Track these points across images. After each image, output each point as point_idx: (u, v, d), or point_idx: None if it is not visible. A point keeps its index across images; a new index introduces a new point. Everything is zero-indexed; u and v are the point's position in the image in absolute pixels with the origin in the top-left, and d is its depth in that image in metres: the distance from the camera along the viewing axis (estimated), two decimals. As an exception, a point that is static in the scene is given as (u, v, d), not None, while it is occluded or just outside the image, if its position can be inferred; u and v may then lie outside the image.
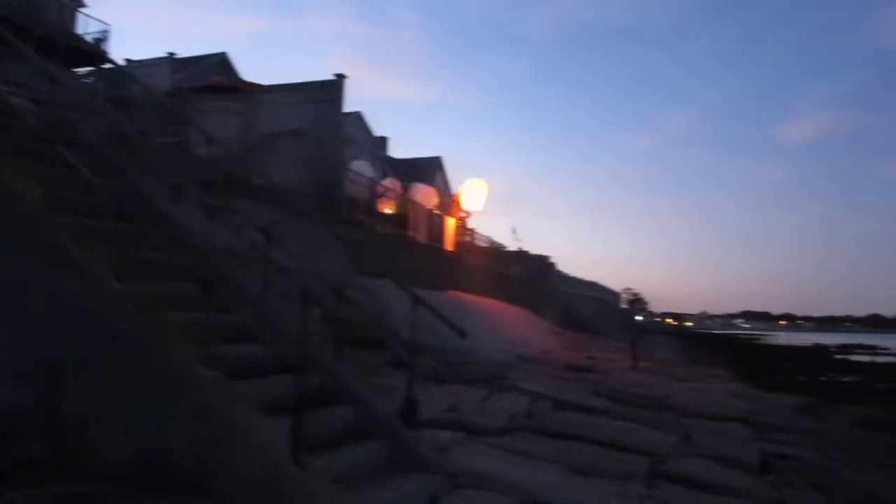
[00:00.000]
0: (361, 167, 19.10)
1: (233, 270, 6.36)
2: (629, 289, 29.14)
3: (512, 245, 34.05)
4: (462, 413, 8.09)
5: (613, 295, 70.60)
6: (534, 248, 35.29)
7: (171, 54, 20.40)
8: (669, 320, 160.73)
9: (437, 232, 20.96)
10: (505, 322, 20.60)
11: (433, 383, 9.95)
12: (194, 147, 12.11)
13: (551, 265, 37.10)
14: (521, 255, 33.17)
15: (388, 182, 20.49)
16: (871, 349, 61.62)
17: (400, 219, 18.56)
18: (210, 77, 23.81)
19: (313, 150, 14.33)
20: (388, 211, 18.83)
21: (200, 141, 12.37)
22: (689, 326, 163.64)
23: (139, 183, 7.02)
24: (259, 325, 5.97)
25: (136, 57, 21.77)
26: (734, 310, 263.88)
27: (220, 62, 28.87)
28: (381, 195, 18.41)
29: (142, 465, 4.40)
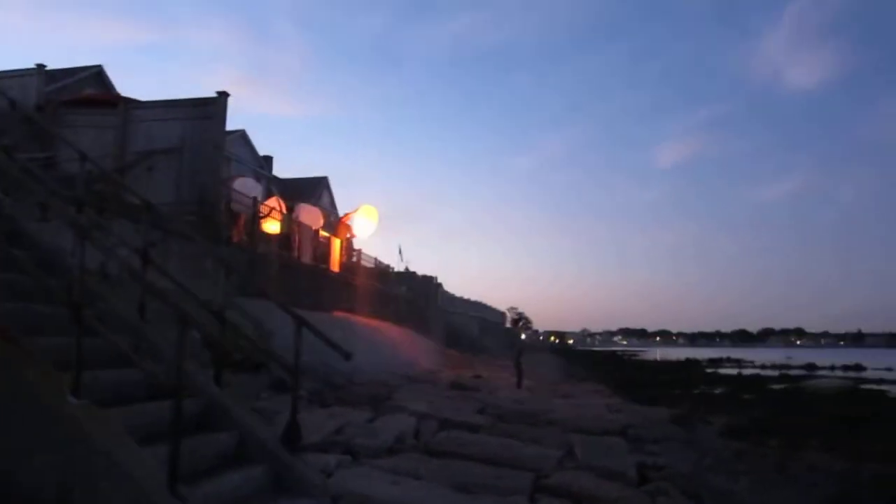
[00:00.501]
0: (244, 186, 18.68)
1: (105, 293, 6.08)
2: (513, 308, 29.87)
3: (398, 265, 34.14)
4: (348, 435, 8.01)
5: (498, 314, 72.01)
6: (421, 268, 35.52)
7: (41, 65, 19.35)
8: (552, 338, 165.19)
9: (322, 252, 20.74)
10: (391, 342, 20.58)
11: (318, 406, 9.82)
12: (65, 164, 11.52)
13: (437, 285, 37.39)
14: (408, 276, 33.29)
15: (272, 202, 20.09)
16: (738, 362, 65.37)
17: (284, 239, 18.26)
18: (84, 90, 22.75)
19: (193, 169, 13.87)
20: (272, 231, 18.48)
21: (72, 157, 11.80)
22: (570, 344, 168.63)
23: (2, 201, 6.63)
24: (134, 349, 5.72)
25: (1, 67, 20.60)
26: (613, 327, 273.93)
27: (94, 75, 27.61)
28: (265, 215, 18.04)
29: (7, 500, 4.12)
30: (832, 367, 52.43)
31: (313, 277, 18.19)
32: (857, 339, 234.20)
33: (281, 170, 43.43)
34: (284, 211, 20.01)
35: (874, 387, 31.69)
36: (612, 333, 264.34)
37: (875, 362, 59.73)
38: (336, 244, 21.83)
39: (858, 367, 52.25)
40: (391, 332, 21.99)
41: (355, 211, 24.00)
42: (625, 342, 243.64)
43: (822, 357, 74.56)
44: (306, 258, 19.08)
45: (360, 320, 19.43)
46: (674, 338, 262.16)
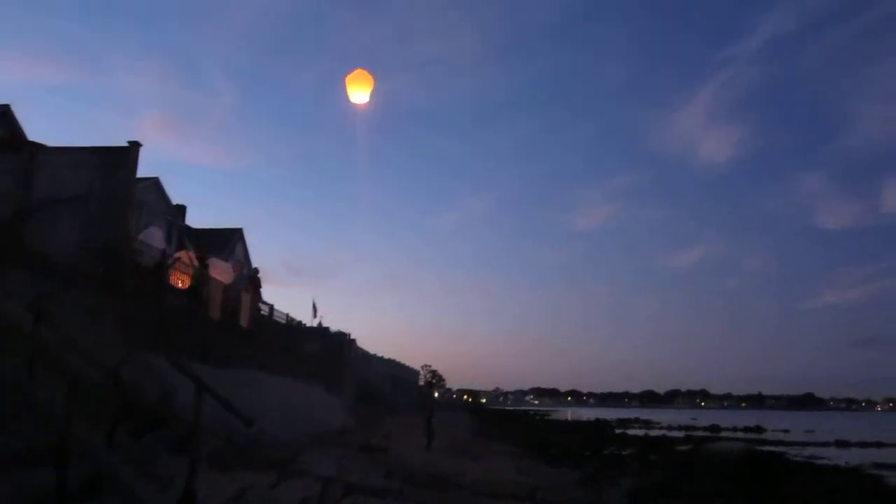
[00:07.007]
0: (153, 236, 18.14)
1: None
2: (427, 366, 29.71)
3: (312, 321, 33.62)
4: (247, 503, 7.71)
5: (412, 372, 71.51)
6: (334, 324, 35.09)
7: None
8: (465, 396, 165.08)
9: (233, 307, 20.23)
10: (301, 400, 20.08)
11: (218, 469, 9.40)
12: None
13: (350, 341, 36.94)
14: (320, 331, 32.80)
15: (182, 254, 19.57)
16: (646, 423, 66.53)
17: (193, 292, 17.74)
18: (-14, 130, 21.87)
19: (100, 218, 13.39)
20: (180, 284, 17.96)
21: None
22: (482, 402, 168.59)
23: None
24: (15, 411, 5.40)
25: None
26: (526, 386, 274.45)
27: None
28: (173, 266, 17.50)
29: None
30: (734, 429, 54.01)
31: (222, 332, 17.71)
32: (757, 402, 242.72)
33: (196, 219, 42.55)
34: (195, 263, 19.52)
35: (773, 448, 32.75)
36: (525, 393, 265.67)
37: (774, 424, 62.29)
38: (247, 298, 21.35)
39: (759, 429, 53.98)
40: (301, 390, 21.51)
41: (349, 75, 21.75)
42: (537, 402, 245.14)
43: (726, 418, 76.95)
44: (216, 312, 18.58)
45: (270, 377, 18.94)
46: (584, 398, 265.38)
